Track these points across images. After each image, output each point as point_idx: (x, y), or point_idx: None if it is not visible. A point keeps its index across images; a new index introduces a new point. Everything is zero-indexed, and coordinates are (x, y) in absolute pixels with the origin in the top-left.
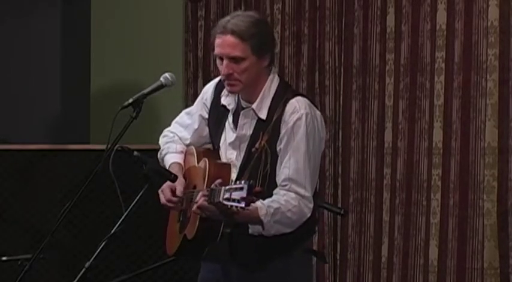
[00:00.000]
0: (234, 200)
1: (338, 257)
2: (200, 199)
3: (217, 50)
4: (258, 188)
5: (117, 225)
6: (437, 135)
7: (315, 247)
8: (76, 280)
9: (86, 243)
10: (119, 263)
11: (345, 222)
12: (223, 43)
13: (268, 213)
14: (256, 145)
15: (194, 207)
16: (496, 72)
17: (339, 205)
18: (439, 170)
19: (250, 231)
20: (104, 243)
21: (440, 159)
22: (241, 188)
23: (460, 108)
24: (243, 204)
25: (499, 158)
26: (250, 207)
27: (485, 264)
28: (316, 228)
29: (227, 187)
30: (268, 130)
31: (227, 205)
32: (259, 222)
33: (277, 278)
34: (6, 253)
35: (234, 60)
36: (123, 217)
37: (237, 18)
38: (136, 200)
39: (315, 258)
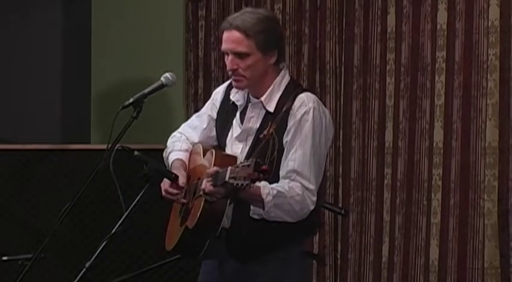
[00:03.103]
0: (239, 178)
1: (339, 257)
2: (206, 184)
3: (223, 46)
4: (265, 166)
5: (118, 225)
6: (438, 135)
7: (315, 247)
8: (76, 280)
9: (86, 243)
10: (119, 263)
11: (346, 222)
12: (228, 38)
13: (270, 193)
14: (265, 132)
15: (202, 191)
16: (497, 72)
17: (340, 205)
18: (439, 170)
19: (251, 213)
20: (104, 243)
21: (441, 159)
22: (248, 166)
23: (461, 108)
24: (248, 181)
25: (499, 157)
26: (255, 184)
27: (486, 264)
28: (317, 229)
29: (233, 166)
30: (276, 120)
31: (233, 183)
32: (261, 201)
33: (273, 280)
34: (7, 253)
35: (239, 55)
36: (123, 217)
37: (244, 15)
38: (137, 199)
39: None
